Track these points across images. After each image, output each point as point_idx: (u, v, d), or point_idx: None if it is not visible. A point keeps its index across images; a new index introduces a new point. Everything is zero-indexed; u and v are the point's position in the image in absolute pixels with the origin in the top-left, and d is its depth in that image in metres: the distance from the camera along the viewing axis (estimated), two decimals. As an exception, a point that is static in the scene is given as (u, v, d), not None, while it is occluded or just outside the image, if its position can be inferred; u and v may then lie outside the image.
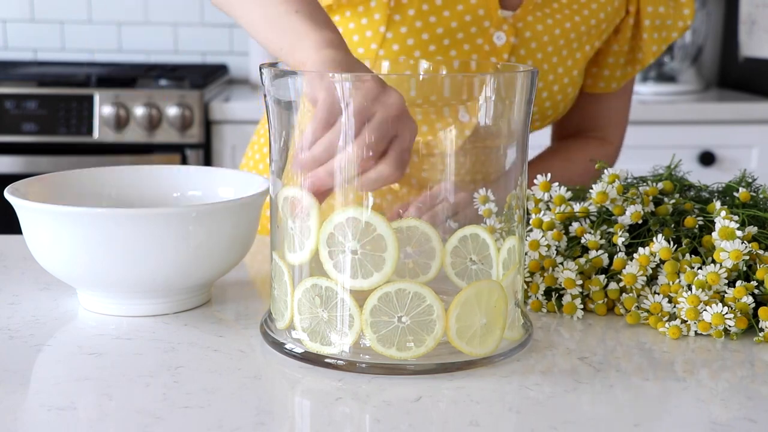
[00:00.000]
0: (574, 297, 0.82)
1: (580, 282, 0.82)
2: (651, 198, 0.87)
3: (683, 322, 0.78)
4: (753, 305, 0.77)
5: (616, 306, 0.82)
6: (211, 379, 0.68)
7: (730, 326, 0.76)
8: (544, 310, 0.84)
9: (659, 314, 0.79)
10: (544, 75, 1.12)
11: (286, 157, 0.71)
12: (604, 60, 1.23)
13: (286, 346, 0.72)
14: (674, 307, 0.79)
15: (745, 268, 0.78)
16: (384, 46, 1.07)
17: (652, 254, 0.80)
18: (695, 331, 0.78)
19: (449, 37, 1.07)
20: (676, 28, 1.22)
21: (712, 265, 0.78)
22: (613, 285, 0.82)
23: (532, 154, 1.32)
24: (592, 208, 0.88)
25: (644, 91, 2.60)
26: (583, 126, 1.29)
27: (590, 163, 1.26)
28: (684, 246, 0.82)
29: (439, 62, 0.87)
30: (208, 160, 2.32)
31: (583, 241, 0.85)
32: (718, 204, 0.83)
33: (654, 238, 0.81)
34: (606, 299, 0.83)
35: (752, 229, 0.80)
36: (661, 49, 1.23)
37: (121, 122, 2.25)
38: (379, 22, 1.07)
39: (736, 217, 0.79)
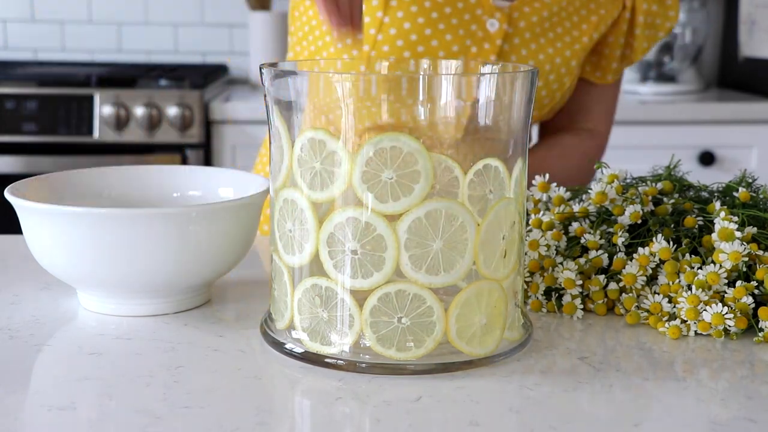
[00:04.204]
0: (574, 297, 0.82)
1: (580, 282, 0.82)
2: (650, 198, 0.87)
3: (683, 322, 0.78)
4: (753, 305, 0.77)
5: (616, 306, 0.82)
6: (211, 379, 0.68)
7: (730, 326, 0.76)
8: (544, 310, 0.84)
9: (659, 314, 0.79)
10: (540, 64, 1.14)
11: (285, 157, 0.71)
12: (601, 51, 1.28)
13: (286, 346, 0.72)
14: (674, 307, 0.79)
15: (744, 269, 0.78)
16: (382, 31, 1.12)
17: (651, 254, 0.81)
18: (695, 331, 0.78)
19: (443, 21, 1.12)
20: (664, 28, 1.29)
21: (712, 265, 0.78)
22: (613, 285, 0.82)
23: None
24: (592, 208, 0.88)
25: (644, 91, 2.60)
26: (576, 114, 1.32)
27: (584, 156, 1.30)
28: (684, 246, 0.82)
29: (437, 60, 0.87)
30: (208, 160, 2.33)
31: (582, 241, 0.85)
32: (717, 204, 0.83)
33: (654, 238, 0.81)
34: (606, 299, 0.83)
35: (751, 230, 0.80)
36: (650, 46, 1.30)
37: (121, 122, 2.26)
38: (377, 8, 1.12)
39: (735, 218, 0.79)
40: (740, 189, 0.85)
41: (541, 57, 1.15)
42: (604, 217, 0.87)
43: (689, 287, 0.79)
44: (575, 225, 0.87)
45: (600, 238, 0.85)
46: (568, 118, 1.33)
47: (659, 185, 0.89)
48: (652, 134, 2.35)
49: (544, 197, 0.92)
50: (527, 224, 0.87)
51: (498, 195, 0.70)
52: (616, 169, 0.89)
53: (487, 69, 0.82)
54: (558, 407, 0.64)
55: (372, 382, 0.68)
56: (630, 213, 0.84)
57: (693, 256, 0.82)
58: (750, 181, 0.90)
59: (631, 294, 0.81)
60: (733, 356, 0.74)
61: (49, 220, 0.78)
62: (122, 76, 2.33)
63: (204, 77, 2.36)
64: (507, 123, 0.71)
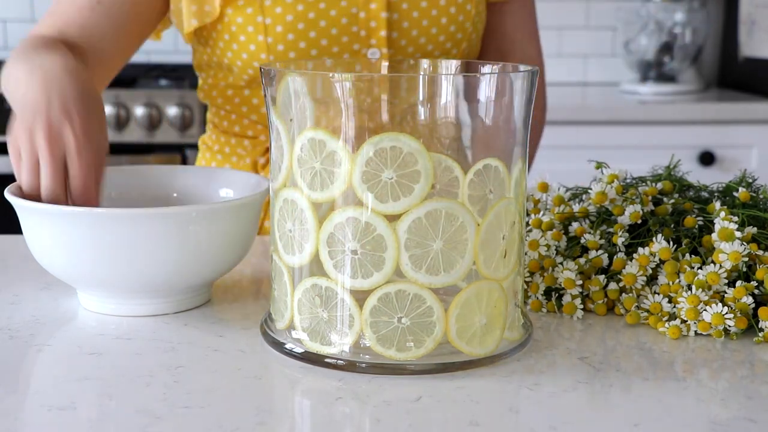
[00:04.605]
0: (574, 297, 0.82)
1: (580, 282, 0.82)
2: (650, 198, 0.87)
3: (683, 322, 0.78)
4: (753, 305, 0.77)
5: (616, 306, 0.82)
6: (211, 379, 0.68)
7: (730, 326, 0.76)
8: (544, 310, 0.84)
9: (659, 314, 0.79)
10: (426, 11, 1.13)
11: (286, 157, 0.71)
12: None
13: (286, 346, 0.72)
14: (674, 307, 0.79)
15: (744, 269, 0.78)
16: (269, 33, 1.11)
17: (651, 254, 0.81)
18: (695, 331, 0.78)
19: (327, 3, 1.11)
20: None
21: (712, 265, 0.78)
22: (613, 285, 0.82)
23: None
24: (592, 208, 0.88)
25: (644, 91, 2.60)
26: (501, 52, 1.29)
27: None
28: (684, 246, 0.82)
29: (437, 60, 0.87)
30: (208, 160, 2.32)
31: (582, 241, 0.85)
32: (717, 204, 0.83)
33: (654, 238, 0.81)
34: (606, 299, 0.83)
35: (751, 230, 0.80)
36: None
37: (121, 122, 2.26)
38: (255, 14, 1.11)
39: (735, 218, 0.79)
40: (740, 189, 0.85)
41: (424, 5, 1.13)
42: (604, 217, 0.87)
43: (689, 287, 0.79)
44: (575, 225, 0.87)
45: (600, 238, 0.85)
46: (497, 58, 1.30)
47: (659, 185, 0.89)
48: (652, 134, 2.35)
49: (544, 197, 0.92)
50: (527, 224, 0.87)
51: (498, 195, 0.70)
52: (616, 169, 0.89)
53: (487, 69, 0.83)
54: (558, 407, 0.64)
55: (372, 382, 0.68)
56: (630, 213, 0.84)
57: (693, 256, 0.82)
58: (750, 181, 0.90)
59: (631, 294, 0.81)
60: (733, 356, 0.74)
61: (49, 220, 0.78)
62: (122, 76, 2.33)
63: (204, 77, 2.36)
64: (507, 123, 0.71)
